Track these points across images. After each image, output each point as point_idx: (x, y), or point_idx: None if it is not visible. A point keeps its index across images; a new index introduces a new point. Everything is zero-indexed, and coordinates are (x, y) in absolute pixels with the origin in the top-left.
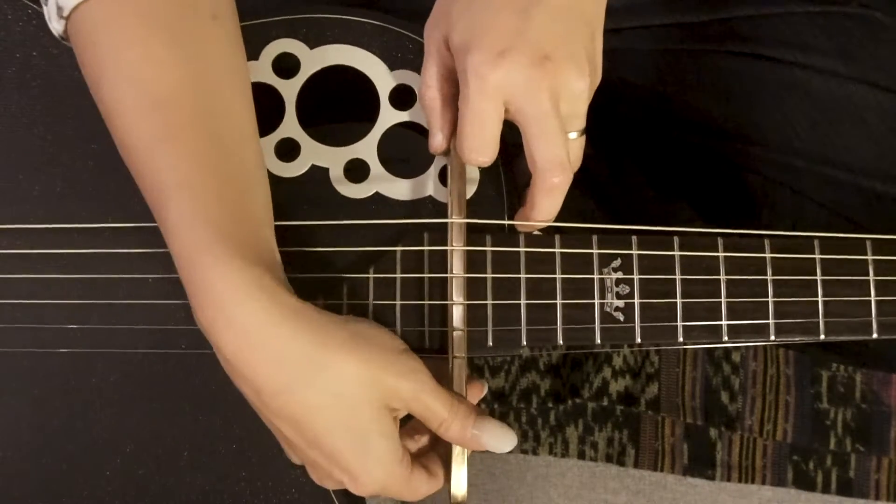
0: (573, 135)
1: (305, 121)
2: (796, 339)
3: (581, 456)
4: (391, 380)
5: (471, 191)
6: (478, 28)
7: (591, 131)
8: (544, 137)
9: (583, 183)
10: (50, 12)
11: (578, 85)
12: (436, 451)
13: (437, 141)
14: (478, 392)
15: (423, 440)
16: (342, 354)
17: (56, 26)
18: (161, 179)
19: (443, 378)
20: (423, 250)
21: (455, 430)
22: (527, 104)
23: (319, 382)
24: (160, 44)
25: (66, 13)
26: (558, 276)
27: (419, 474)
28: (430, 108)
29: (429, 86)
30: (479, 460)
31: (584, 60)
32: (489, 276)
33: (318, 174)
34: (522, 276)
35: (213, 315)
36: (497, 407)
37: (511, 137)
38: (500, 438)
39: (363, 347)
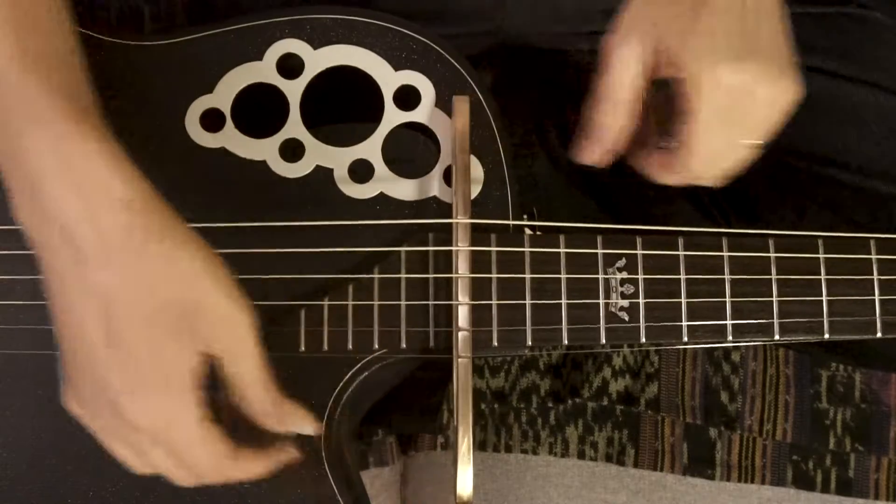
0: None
1: (310, 121)
2: (800, 338)
3: (581, 456)
4: (223, 297)
5: (475, 191)
6: (703, 33)
7: None
8: (722, 150)
9: (583, 183)
10: None
11: (793, 99)
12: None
13: (598, 152)
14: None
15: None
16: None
17: None
18: None
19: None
20: (427, 251)
21: (259, 391)
22: (752, 111)
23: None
24: None
25: None
26: (563, 276)
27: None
28: (605, 121)
29: (615, 99)
30: (480, 460)
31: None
32: (494, 276)
33: (322, 175)
34: (527, 276)
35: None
36: (497, 407)
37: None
38: (302, 418)
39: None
